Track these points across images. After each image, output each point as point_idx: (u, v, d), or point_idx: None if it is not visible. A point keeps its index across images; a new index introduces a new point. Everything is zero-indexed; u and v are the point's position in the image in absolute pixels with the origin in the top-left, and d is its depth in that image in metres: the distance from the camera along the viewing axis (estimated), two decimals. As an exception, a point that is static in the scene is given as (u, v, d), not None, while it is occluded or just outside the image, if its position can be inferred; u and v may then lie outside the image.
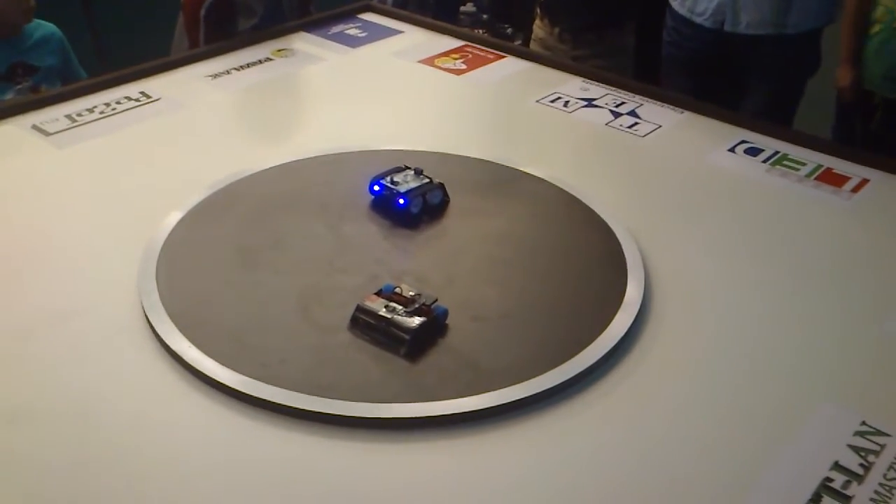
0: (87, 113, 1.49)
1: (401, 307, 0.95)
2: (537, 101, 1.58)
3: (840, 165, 1.36)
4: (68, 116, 1.47)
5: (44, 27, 2.05)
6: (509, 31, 3.13)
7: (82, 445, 0.83)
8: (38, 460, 0.82)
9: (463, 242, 1.15)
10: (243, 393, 0.88)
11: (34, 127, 1.43)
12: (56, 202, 1.24)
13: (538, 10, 2.31)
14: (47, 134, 1.41)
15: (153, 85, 1.60)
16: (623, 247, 1.12)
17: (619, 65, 2.20)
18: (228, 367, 0.90)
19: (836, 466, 0.82)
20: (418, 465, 0.83)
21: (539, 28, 2.32)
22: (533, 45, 2.36)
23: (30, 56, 1.99)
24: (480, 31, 2.86)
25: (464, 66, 1.73)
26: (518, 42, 2.42)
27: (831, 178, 1.33)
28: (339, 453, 0.83)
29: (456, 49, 1.82)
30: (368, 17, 2.00)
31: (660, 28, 2.15)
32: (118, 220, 1.19)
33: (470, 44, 1.84)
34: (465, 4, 3.39)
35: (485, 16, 3.34)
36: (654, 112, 1.54)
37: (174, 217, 1.16)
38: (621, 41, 2.21)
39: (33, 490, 0.79)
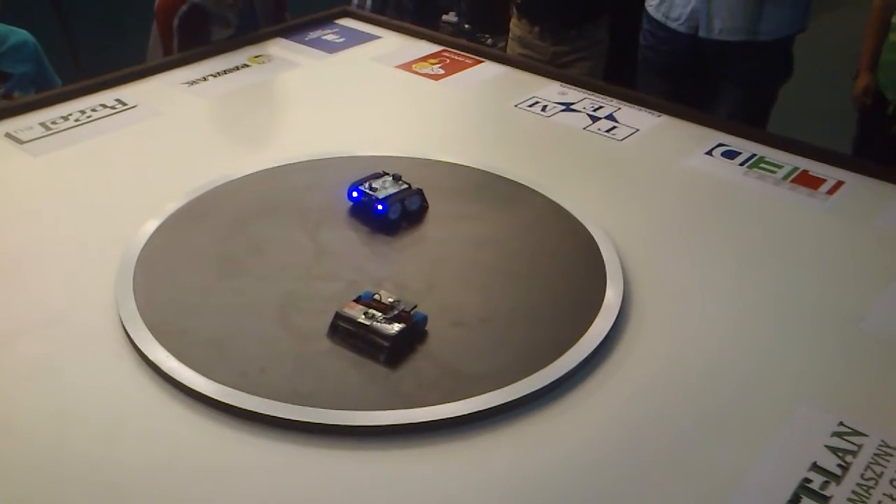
0: (61, 121, 1.47)
1: (380, 314, 0.95)
2: (515, 106, 1.59)
3: (816, 168, 1.38)
4: (43, 124, 1.46)
5: (17, 34, 2.03)
6: (489, 41, 3.14)
7: (60, 458, 0.82)
8: (15, 472, 0.81)
9: (442, 248, 1.15)
10: (222, 403, 0.87)
11: (7, 135, 1.42)
12: (30, 211, 1.22)
13: (514, 10, 2.33)
14: (21, 142, 1.40)
15: (129, 92, 1.59)
16: (602, 251, 1.12)
17: (596, 56, 2.26)
18: (207, 376, 0.90)
19: (815, 467, 0.82)
20: (399, 472, 0.82)
21: (517, 27, 2.34)
22: (511, 44, 2.37)
23: (3, 63, 1.97)
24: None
25: (441, 71, 1.73)
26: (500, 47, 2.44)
27: (808, 181, 1.34)
28: (319, 462, 0.83)
29: (433, 54, 1.82)
30: (346, 22, 2.00)
31: (631, 20, 2.17)
32: (94, 228, 1.18)
33: (448, 49, 1.84)
34: (447, 13, 3.38)
35: (467, 25, 3.33)
36: (632, 116, 1.55)
37: (151, 225, 1.15)
38: (598, 34, 2.29)
39: (9, 502, 0.78)
